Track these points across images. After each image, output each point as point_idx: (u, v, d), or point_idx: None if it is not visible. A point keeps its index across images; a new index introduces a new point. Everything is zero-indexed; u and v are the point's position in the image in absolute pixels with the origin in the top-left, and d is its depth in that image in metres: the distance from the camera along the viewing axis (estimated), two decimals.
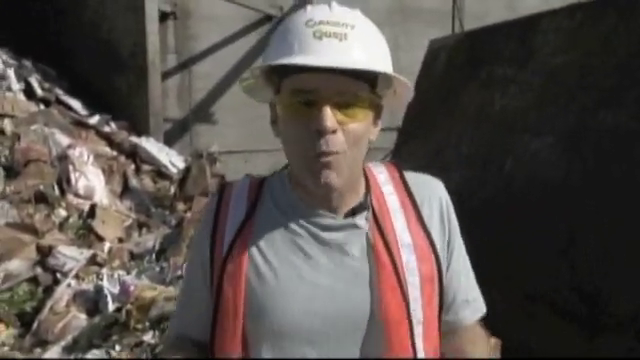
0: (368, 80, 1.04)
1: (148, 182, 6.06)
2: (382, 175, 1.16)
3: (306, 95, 1.01)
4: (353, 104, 1.02)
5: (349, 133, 1.02)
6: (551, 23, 4.26)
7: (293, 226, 1.10)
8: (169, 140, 7.49)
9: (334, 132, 1.01)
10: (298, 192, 1.11)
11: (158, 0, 7.22)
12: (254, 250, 1.08)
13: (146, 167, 6.12)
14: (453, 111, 5.46)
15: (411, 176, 1.17)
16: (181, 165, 6.32)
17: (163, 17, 7.68)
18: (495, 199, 4.29)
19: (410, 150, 6.60)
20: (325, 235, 1.09)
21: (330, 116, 0.99)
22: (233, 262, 1.07)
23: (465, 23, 7.41)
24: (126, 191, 5.86)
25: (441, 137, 5.62)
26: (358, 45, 1.01)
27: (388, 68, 1.06)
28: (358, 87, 1.03)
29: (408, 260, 1.08)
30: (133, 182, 5.91)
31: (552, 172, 3.72)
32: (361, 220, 1.10)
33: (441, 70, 6.32)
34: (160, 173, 6.18)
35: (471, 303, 1.19)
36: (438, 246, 1.12)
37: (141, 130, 6.78)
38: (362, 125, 1.04)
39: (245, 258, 1.07)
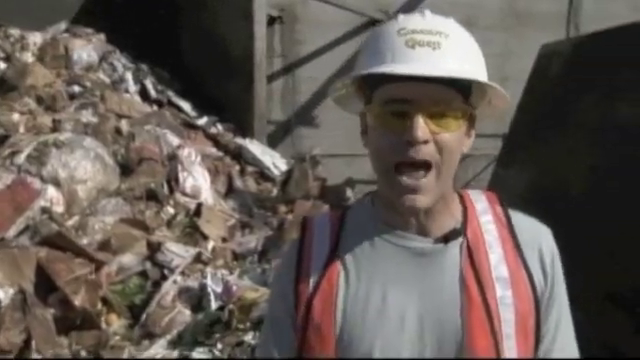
0: (462, 90, 1.00)
1: (251, 183, 6.20)
2: (481, 204, 1.11)
3: (398, 105, 0.98)
4: (446, 114, 0.99)
5: (441, 144, 0.98)
6: None
7: (381, 253, 1.05)
8: (272, 142, 7.64)
9: (425, 142, 0.97)
10: (384, 216, 1.07)
11: (267, 5, 7.38)
12: (342, 286, 1.05)
13: (250, 169, 6.26)
14: (567, 121, 5.18)
15: (517, 215, 1.11)
16: (284, 167, 6.41)
17: (271, 21, 7.85)
18: (618, 215, 4.00)
19: (515, 159, 6.34)
20: (414, 261, 1.04)
21: (422, 126, 0.96)
22: (321, 301, 1.04)
23: (583, 27, 7.02)
24: (230, 191, 6.02)
25: (553, 149, 5.35)
26: (452, 54, 0.98)
27: (483, 77, 1.02)
28: (451, 97, 0.99)
29: (503, 295, 1.02)
30: (237, 183, 6.06)
31: None
32: (454, 248, 1.04)
33: (554, 76, 6.01)
34: (263, 175, 6.30)
35: None
36: (538, 288, 1.04)
37: (246, 132, 6.94)
38: (455, 136, 1.00)
39: (333, 296, 1.04)
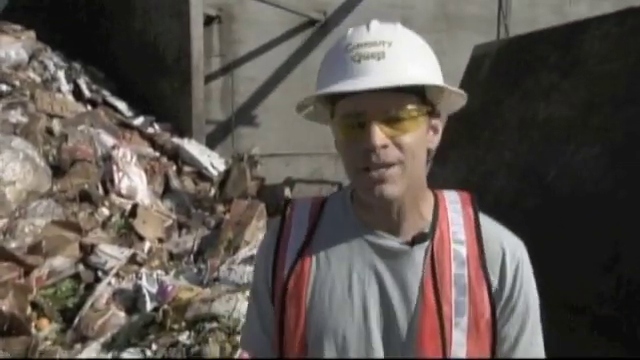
0: (416, 92, 1.04)
1: (189, 183, 6.14)
2: (453, 206, 1.14)
3: (356, 118, 1.03)
4: (402, 118, 1.03)
5: (402, 146, 1.03)
6: (599, 29, 4.14)
7: (352, 247, 1.11)
8: (212, 142, 7.59)
9: (385, 147, 1.02)
10: (360, 212, 1.13)
11: (203, 4, 7.32)
12: (313, 273, 1.11)
13: (187, 169, 6.21)
14: (495, 119, 5.36)
15: (487, 221, 1.14)
16: (222, 167, 6.39)
17: (208, 21, 7.79)
18: (537, 210, 4.19)
19: (451, 158, 6.51)
20: (382, 259, 1.09)
21: (378, 133, 1.01)
22: (294, 285, 1.10)
23: (512, 29, 7.28)
24: (167, 192, 5.96)
25: (482, 146, 5.53)
26: (397, 61, 1.02)
27: (431, 77, 1.06)
28: (404, 100, 1.03)
29: (459, 301, 1.05)
30: (174, 183, 6.00)
31: (598, 184, 3.61)
32: (420, 250, 1.08)
33: (484, 77, 6.21)
34: (201, 175, 6.26)
35: None
36: (496, 296, 1.08)
37: (184, 132, 6.88)
38: (415, 136, 1.04)
39: (304, 282, 1.10)
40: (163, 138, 6.38)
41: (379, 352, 1.06)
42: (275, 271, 1.14)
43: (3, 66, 6.38)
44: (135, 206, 5.30)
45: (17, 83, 6.16)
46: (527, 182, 4.41)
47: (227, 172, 6.27)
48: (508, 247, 1.10)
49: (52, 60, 6.76)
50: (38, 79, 6.49)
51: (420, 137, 1.05)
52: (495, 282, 1.08)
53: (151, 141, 6.28)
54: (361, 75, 1.01)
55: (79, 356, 3.77)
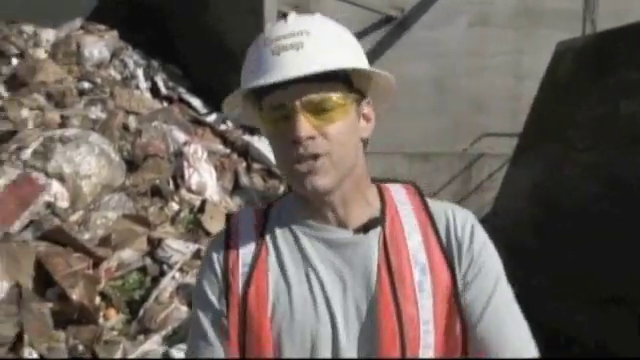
0: (341, 79, 1.02)
1: (258, 180, 6.19)
2: (399, 194, 1.13)
3: (280, 110, 1.02)
4: (327, 107, 1.01)
5: (329, 135, 1.01)
6: None
7: (304, 247, 1.08)
8: None
9: (311, 138, 1.00)
10: (304, 212, 1.10)
11: (278, 2, 7.36)
12: (271, 282, 1.07)
13: (257, 166, 6.25)
14: (574, 119, 5.06)
15: (435, 203, 1.13)
16: None
17: (283, 18, 7.83)
18: (617, 212, 3.90)
19: (529, 158, 6.23)
20: (336, 253, 1.06)
21: (303, 124, 0.99)
22: (255, 296, 1.06)
23: (600, 24, 6.86)
24: (237, 188, 6.02)
25: (559, 147, 5.24)
26: (316, 49, 1.01)
27: (352, 63, 1.03)
28: (329, 89, 1.01)
29: (421, 280, 1.04)
30: (244, 180, 6.05)
31: None
32: (374, 238, 1.06)
33: (565, 75, 5.89)
34: (270, 172, 6.28)
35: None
36: (456, 268, 1.06)
37: (255, 129, 6.93)
38: (343, 125, 1.03)
39: (264, 292, 1.07)
40: (234, 135, 6.46)
41: (351, 348, 1.03)
42: (228, 284, 1.09)
43: (87, 65, 6.67)
44: (204, 202, 5.38)
45: (99, 81, 6.42)
46: (607, 184, 4.13)
47: None
48: (453, 216, 1.10)
49: (132, 58, 7.00)
50: (118, 77, 6.74)
51: (349, 126, 1.04)
52: (451, 251, 1.07)
53: (222, 138, 6.38)
54: (280, 67, 1.00)
55: (141, 347, 3.86)
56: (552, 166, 4.75)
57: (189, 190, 5.57)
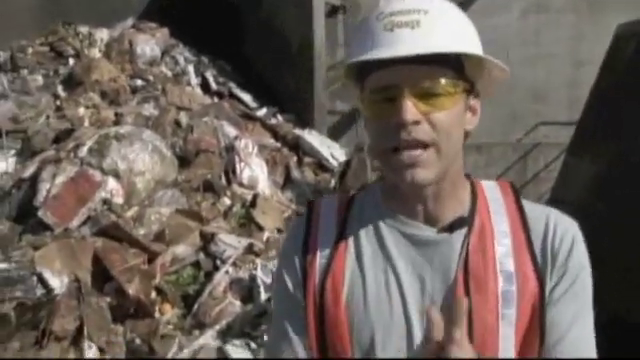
0: (452, 65, 0.95)
1: (309, 174, 6.16)
2: (493, 193, 1.05)
3: (386, 92, 0.95)
4: (437, 93, 0.94)
5: (436, 124, 0.94)
6: None
7: (386, 241, 1.03)
8: (336, 133, 7.58)
9: (417, 123, 0.93)
10: (391, 203, 1.04)
11: None
12: (348, 271, 1.03)
13: (308, 159, 6.22)
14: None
15: (531, 206, 1.04)
16: (342, 158, 6.34)
17: (333, 11, 7.76)
18: None
19: (586, 148, 5.98)
20: (419, 250, 1.01)
21: (410, 107, 0.92)
22: (331, 284, 1.03)
23: None
24: (288, 182, 6.01)
25: (626, 137, 5.00)
26: (432, 30, 0.93)
27: (469, 48, 0.95)
28: (440, 74, 0.94)
29: (507, 290, 0.96)
30: (295, 174, 6.04)
31: None
32: (458, 237, 0.99)
33: (629, 59, 5.62)
34: (321, 166, 6.25)
35: None
36: (545, 281, 0.98)
37: (306, 123, 6.92)
38: (450, 113, 0.95)
39: (340, 280, 1.03)
40: (285, 129, 6.45)
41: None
42: (306, 271, 1.05)
43: (139, 62, 6.78)
44: (255, 196, 5.39)
45: (151, 78, 6.51)
46: None
47: (347, 163, 6.21)
48: (554, 224, 1.00)
49: (183, 55, 7.09)
50: (169, 74, 6.82)
51: (456, 116, 0.96)
52: (544, 267, 0.99)
53: (273, 132, 6.38)
54: (393, 44, 0.93)
55: (196, 342, 3.89)
56: (617, 157, 4.54)
57: (241, 185, 5.59)
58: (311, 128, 6.83)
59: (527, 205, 1.04)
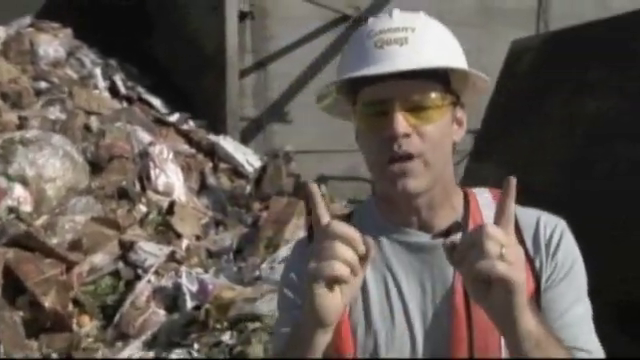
0: (439, 79, 1.02)
1: (225, 180, 6.12)
2: (484, 199, 1.10)
3: (378, 106, 1.01)
4: (426, 106, 1.01)
5: (425, 136, 1.00)
6: None
7: (384, 251, 1.07)
8: (245, 139, 7.55)
9: (407, 136, 0.99)
10: (387, 214, 1.09)
11: (237, 0, 7.29)
12: None
13: (223, 165, 6.18)
14: (538, 115, 5.22)
15: (521, 209, 1.07)
16: (257, 164, 6.35)
17: (241, 17, 7.75)
18: (584, 209, 4.05)
19: (485, 155, 6.38)
20: (416, 257, 1.05)
21: (401, 121, 0.98)
22: None
23: (552, 24, 7.11)
24: (203, 189, 5.94)
25: (524, 143, 5.39)
26: (420, 46, 1.00)
27: (455, 63, 1.03)
28: (428, 88, 1.01)
29: None
30: (210, 180, 5.98)
31: None
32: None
33: (524, 72, 6.06)
34: (237, 172, 6.23)
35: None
36: (541, 278, 1.03)
37: (219, 129, 6.86)
38: (439, 126, 1.02)
39: None
40: (199, 135, 6.37)
41: (427, 355, 1.03)
42: None
43: (42, 63, 6.44)
44: (172, 203, 5.29)
45: (56, 80, 6.21)
46: (574, 180, 4.28)
47: (262, 169, 6.23)
48: (544, 223, 1.07)
49: (89, 57, 6.81)
50: (75, 76, 6.53)
51: (444, 128, 1.03)
52: (538, 258, 1.04)
53: (187, 138, 6.28)
54: (384, 60, 0.99)
55: (121, 353, 3.77)
56: (517, 162, 4.89)
57: (156, 191, 5.47)
58: (224, 134, 6.79)
59: (518, 209, 1.08)
